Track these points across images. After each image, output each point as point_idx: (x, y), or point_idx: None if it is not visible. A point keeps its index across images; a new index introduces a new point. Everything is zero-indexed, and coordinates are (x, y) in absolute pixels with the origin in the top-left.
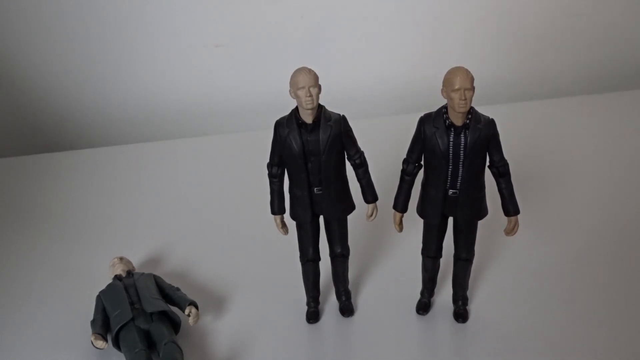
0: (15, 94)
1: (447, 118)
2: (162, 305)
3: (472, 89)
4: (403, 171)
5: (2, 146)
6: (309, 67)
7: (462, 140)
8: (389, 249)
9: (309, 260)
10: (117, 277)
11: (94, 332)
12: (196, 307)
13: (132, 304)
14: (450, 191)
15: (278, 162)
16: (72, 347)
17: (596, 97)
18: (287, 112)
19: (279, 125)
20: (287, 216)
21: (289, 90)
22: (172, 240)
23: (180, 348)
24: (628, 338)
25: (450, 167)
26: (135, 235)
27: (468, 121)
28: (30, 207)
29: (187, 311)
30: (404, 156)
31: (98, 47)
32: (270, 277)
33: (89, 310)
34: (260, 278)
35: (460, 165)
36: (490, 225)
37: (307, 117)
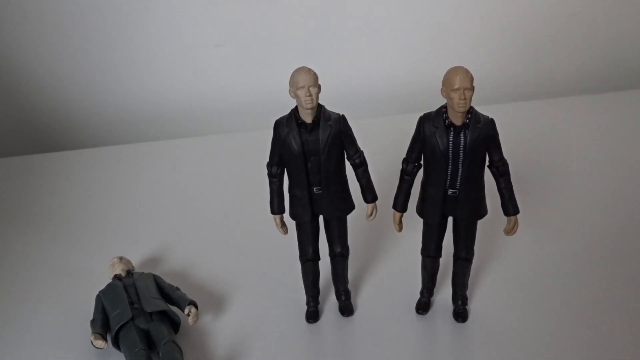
0: (15, 94)
1: (447, 117)
2: (161, 304)
3: (472, 88)
4: (403, 171)
5: (2, 146)
6: (309, 66)
7: (462, 139)
8: (389, 248)
9: (309, 259)
10: (117, 277)
11: (94, 332)
12: (196, 306)
13: (131, 303)
14: (450, 191)
15: (278, 161)
16: (72, 346)
17: (596, 97)
18: (287, 112)
19: (278, 125)
20: (286, 216)
21: (289, 90)
22: (172, 240)
23: (179, 348)
24: (628, 337)
25: (450, 166)
26: (135, 235)
27: (468, 121)
28: (30, 207)
29: (186, 311)
30: (404, 156)
31: (98, 47)
32: (270, 276)
33: (88, 310)
34: (260, 278)
35: (460, 164)
36: (490, 225)
37: (307, 117)
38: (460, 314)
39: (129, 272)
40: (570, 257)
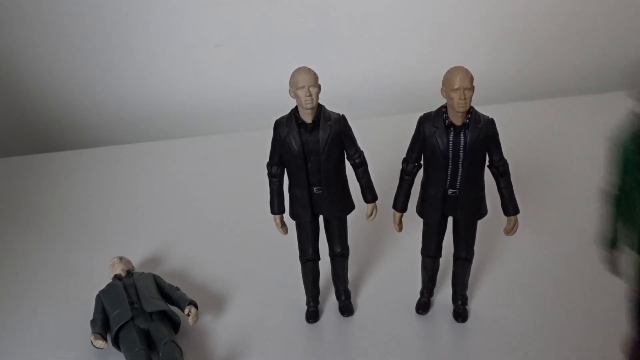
0: (15, 94)
1: (447, 117)
2: (161, 304)
3: (472, 88)
4: (403, 171)
5: (2, 146)
6: (309, 66)
7: (462, 139)
8: (389, 248)
9: (309, 259)
10: (117, 277)
11: (94, 332)
12: (196, 306)
13: (131, 303)
14: (450, 191)
15: (278, 161)
16: (72, 347)
17: (596, 97)
18: (287, 112)
19: (278, 125)
20: (286, 216)
21: (289, 90)
22: (172, 240)
23: (179, 347)
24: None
25: (450, 166)
26: (135, 235)
27: (468, 121)
28: (30, 207)
29: (186, 311)
30: (404, 156)
31: (98, 47)
32: (270, 277)
33: (88, 310)
34: (260, 278)
35: (460, 164)
36: (490, 225)
37: (307, 117)
38: (460, 314)
39: (129, 272)
40: (571, 257)
